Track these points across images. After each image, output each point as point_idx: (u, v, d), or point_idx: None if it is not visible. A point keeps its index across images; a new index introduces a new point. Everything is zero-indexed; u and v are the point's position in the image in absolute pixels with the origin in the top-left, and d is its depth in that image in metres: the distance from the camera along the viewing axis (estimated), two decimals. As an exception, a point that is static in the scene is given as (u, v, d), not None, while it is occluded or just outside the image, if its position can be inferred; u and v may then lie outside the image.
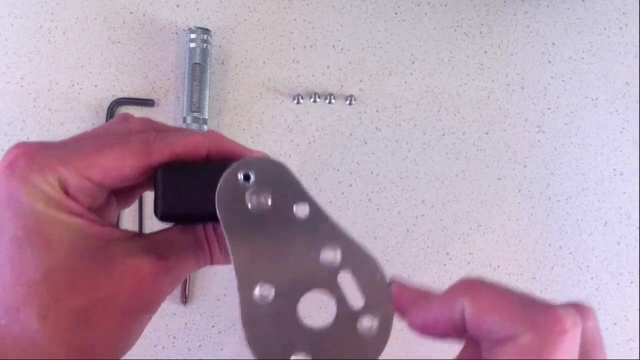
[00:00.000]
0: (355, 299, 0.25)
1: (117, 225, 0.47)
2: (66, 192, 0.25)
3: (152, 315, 0.28)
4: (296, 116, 0.50)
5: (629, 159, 0.52)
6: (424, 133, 0.50)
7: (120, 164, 0.26)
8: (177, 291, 0.47)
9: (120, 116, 0.32)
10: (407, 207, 0.50)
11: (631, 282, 0.51)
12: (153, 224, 0.46)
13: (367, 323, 0.24)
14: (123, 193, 0.30)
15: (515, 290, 0.22)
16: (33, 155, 0.25)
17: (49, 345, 0.24)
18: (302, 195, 0.26)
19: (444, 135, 0.51)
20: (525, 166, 0.51)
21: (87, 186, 0.26)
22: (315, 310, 0.25)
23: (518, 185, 0.51)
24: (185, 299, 0.46)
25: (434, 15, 0.52)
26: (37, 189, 0.25)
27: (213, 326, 0.47)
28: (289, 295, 0.25)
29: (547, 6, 0.53)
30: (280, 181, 0.25)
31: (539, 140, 0.51)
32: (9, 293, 0.24)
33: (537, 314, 0.20)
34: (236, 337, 0.47)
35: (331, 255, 0.25)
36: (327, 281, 0.25)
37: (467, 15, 0.52)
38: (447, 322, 0.23)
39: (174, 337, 0.47)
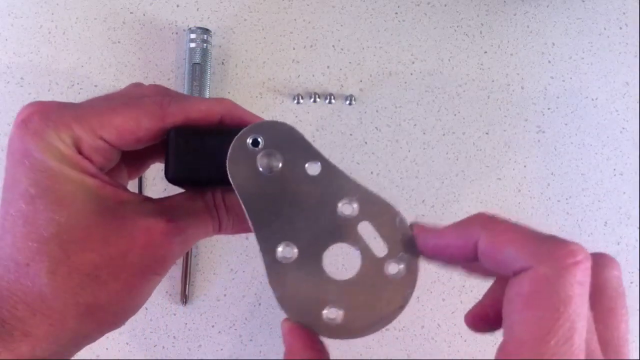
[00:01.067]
0: (379, 247, 0.25)
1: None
2: (79, 151, 0.25)
3: (161, 277, 0.28)
4: (296, 116, 0.50)
5: (629, 159, 0.52)
6: (424, 133, 0.50)
7: (134, 125, 0.26)
8: (177, 291, 0.47)
9: (133, 83, 0.32)
10: (407, 207, 0.50)
11: (631, 282, 0.51)
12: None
13: (394, 268, 0.25)
14: (132, 162, 0.30)
15: (529, 227, 0.22)
16: (48, 112, 0.25)
17: (57, 301, 0.24)
18: (312, 154, 0.26)
19: (444, 135, 0.51)
20: (525, 166, 0.51)
21: (101, 146, 0.26)
22: (341, 261, 0.25)
23: (518, 185, 0.51)
24: (185, 299, 0.46)
25: (434, 15, 0.52)
26: (51, 146, 0.25)
27: (213, 326, 0.47)
28: (312, 251, 0.25)
29: (547, 6, 0.53)
30: (289, 142, 0.26)
31: (539, 140, 0.51)
32: (19, 248, 0.24)
33: (551, 246, 0.20)
34: (236, 337, 0.47)
35: (348, 207, 0.25)
36: (348, 233, 0.25)
37: (467, 15, 0.52)
38: (458, 248, 0.23)
39: (174, 337, 0.47)
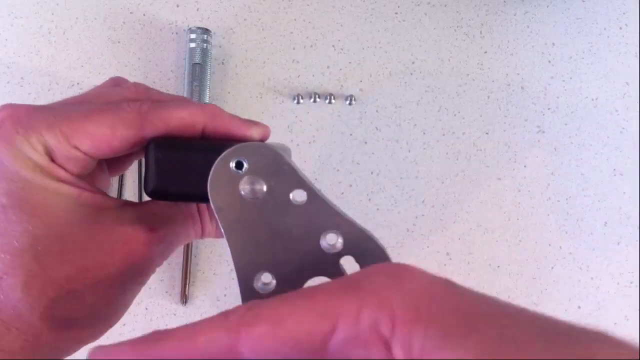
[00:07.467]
0: None
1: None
2: (53, 159, 0.24)
3: (141, 286, 0.27)
4: (296, 116, 0.50)
5: (629, 159, 0.52)
6: (424, 133, 0.50)
7: (110, 134, 0.24)
8: (177, 291, 0.47)
9: (113, 80, 0.29)
10: (407, 207, 0.50)
11: (631, 282, 0.51)
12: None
13: None
14: (115, 159, 0.28)
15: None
16: (19, 118, 0.24)
17: (33, 316, 0.23)
18: (298, 182, 0.24)
19: (444, 135, 0.51)
20: (525, 166, 0.51)
21: (75, 155, 0.24)
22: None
23: (518, 185, 0.51)
24: (185, 299, 0.46)
25: (434, 15, 0.52)
26: (23, 154, 0.24)
27: (213, 326, 0.47)
28: (291, 284, 0.24)
29: (547, 6, 0.53)
30: (275, 168, 0.24)
31: (539, 140, 0.51)
32: None
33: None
34: (236, 337, 0.47)
35: (332, 240, 0.24)
36: (329, 267, 0.24)
37: (467, 15, 0.52)
38: None
39: (174, 337, 0.47)
